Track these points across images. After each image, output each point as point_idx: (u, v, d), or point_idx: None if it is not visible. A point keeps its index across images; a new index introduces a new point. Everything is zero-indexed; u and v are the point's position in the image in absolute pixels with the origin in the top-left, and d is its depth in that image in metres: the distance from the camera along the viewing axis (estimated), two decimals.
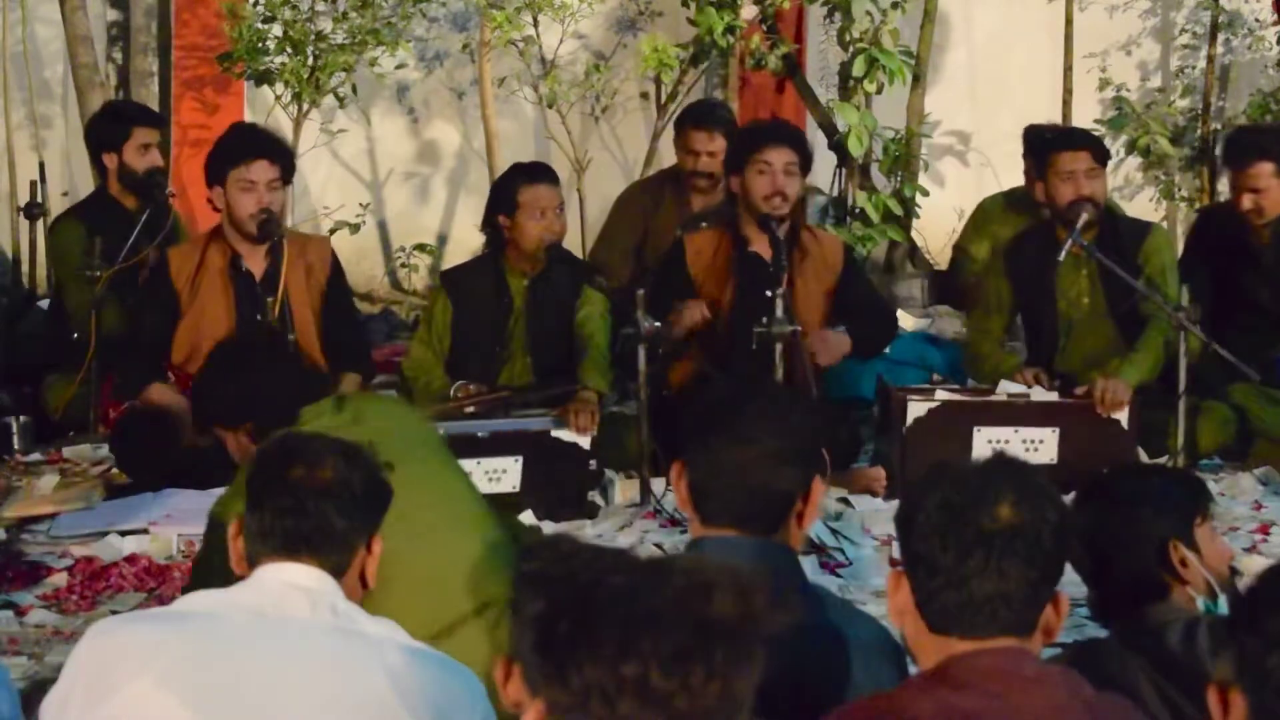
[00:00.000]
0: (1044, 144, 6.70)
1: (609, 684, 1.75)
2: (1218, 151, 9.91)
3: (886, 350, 6.83)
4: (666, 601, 1.77)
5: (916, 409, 5.92)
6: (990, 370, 6.42)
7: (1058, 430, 5.94)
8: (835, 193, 9.06)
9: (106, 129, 7.00)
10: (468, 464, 5.62)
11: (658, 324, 5.78)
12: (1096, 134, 7.07)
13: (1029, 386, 6.14)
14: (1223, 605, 2.98)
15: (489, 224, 6.35)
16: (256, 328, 5.95)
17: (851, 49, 8.85)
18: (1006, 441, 5.87)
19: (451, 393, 6.05)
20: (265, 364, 4.98)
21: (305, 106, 8.54)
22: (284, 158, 6.08)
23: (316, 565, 2.77)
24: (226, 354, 5.37)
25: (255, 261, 6.10)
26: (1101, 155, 6.37)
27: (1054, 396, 6.07)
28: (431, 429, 4.27)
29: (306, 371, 5.67)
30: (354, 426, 3.75)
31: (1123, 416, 5.98)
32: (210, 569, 3.68)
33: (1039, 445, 5.92)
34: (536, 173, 6.36)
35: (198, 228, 8.18)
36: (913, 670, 2.57)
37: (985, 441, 5.87)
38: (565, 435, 5.70)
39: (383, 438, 3.68)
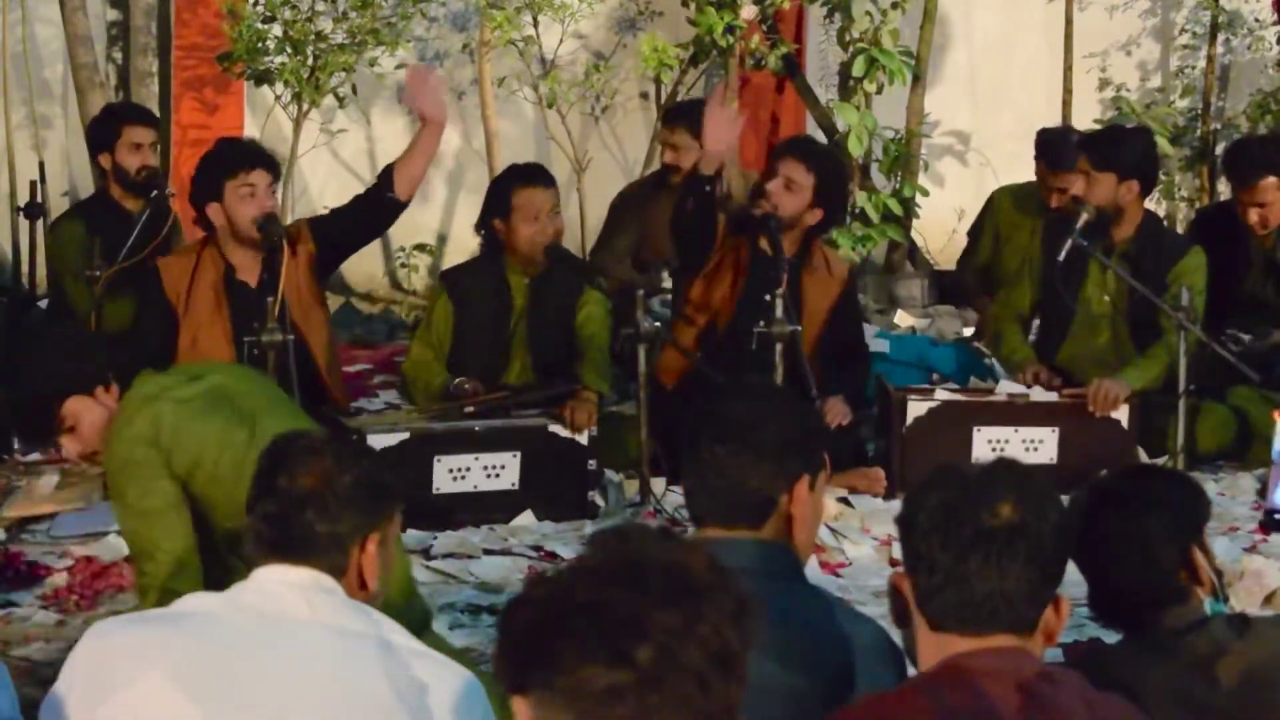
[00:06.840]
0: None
1: (596, 686, 1.75)
2: (1218, 152, 9.94)
3: (886, 350, 6.82)
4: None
5: (916, 409, 5.93)
6: (1006, 353, 6.46)
7: (1057, 430, 5.96)
8: None
9: (100, 130, 7.06)
10: (465, 459, 5.63)
11: (657, 324, 5.77)
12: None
13: (1029, 386, 6.14)
14: (1220, 604, 2.99)
15: (484, 227, 6.32)
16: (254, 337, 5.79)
17: (851, 49, 8.86)
18: (1006, 441, 5.89)
19: (451, 386, 6.01)
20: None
21: (305, 106, 8.54)
22: (275, 165, 6.07)
23: (311, 568, 2.77)
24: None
25: (251, 271, 6.06)
26: (1101, 159, 6.25)
27: (1054, 397, 6.08)
28: (280, 391, 4.34)
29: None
30: (191, 383, 3.95)
31: (1123, 417, 5.99)
32: None
33: (1039, 445, 5.94)
34: (531, 175, 6.31)
35: (197, 228, 8.17)
36: (912, 673, 2.57)
37: (985, 441, 5.90)
38: (562, 431, 5.70)
39: (238, 390, 3.97)
